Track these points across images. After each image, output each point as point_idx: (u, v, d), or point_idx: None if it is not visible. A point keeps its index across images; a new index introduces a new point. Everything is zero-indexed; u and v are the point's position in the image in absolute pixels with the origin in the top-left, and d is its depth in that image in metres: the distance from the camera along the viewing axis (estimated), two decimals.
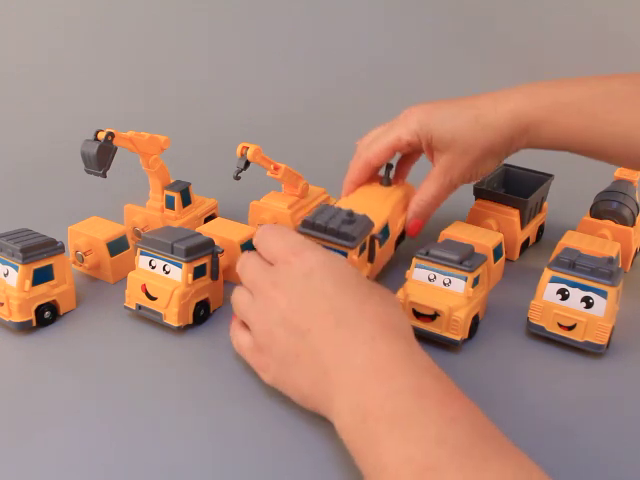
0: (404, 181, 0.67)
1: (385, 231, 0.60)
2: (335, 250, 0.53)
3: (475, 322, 0.53)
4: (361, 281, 0.44)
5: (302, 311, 0.42)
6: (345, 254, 0.52)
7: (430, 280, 0.53)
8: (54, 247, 0.54)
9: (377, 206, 0.60)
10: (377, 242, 0.56)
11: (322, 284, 0.43)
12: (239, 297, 0.48)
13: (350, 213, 0.53)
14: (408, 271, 0.55)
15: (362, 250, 0.54)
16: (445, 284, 0.52)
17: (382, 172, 0.65)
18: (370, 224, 0.55)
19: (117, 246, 0.61)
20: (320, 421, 0.44)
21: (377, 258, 0.58)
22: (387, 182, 0.65)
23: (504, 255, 0.62)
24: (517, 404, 0.47)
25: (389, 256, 0.62)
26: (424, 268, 0.53)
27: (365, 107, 1.10)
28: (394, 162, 0.66)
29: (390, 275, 0.63)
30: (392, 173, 0.65)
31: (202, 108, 1.09)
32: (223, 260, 0.59)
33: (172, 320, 0.53)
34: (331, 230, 0.52)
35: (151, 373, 0.49)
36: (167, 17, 1.19)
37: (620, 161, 0.58)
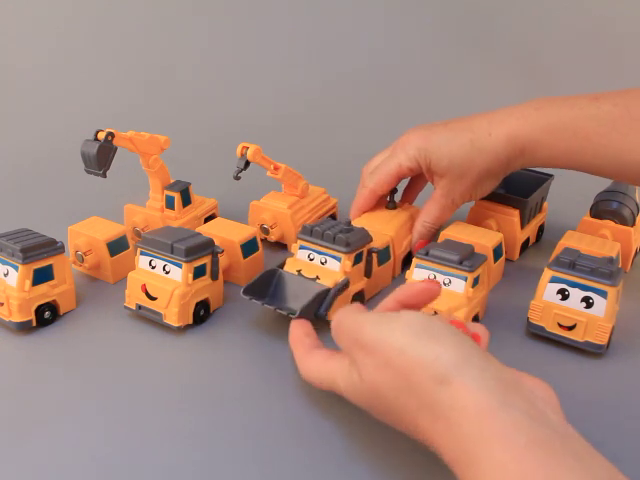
0: (410, 205, 0.69)
1: (386, 251, 0.60)
2: (330, 256, 0.54)
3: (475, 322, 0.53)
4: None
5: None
6: (339, 259, 0.53)
7: None
8: (54, 247, 0.54)
9: (381, 228, 0.62)
10: (375, 257, 0.57)
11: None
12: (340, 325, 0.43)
13: (348, 223, 0.55)
14: (408, 271, 0.55)
15: (357, 261, 0.55)
16: (445, 284, 0.52)
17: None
18: (367, 236, 0.56)
19: (117, 246, 0.61)
20: (320, 421, 0.44)
21: (375, 276, 0.58)
22: (392, 205, 0.66)
23: (504, 255, 0.62)
24: None
25: (390, 278, 0.63)
26: (424, 268, 0.53)
27: (365, 107, 1.10)
28: (403, 185, 0.67)
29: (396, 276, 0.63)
30: (397, 196, 0.67)
31: (202, 108, 1.09)
32: (223, 260, 0.59)
33: (172, 320, 0.53)
34: (327, 236, 0.54)
35: (151, 373, 0.49)
36: (167, 17, 1.19)
37: (618, 178, 0.60)
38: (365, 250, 0.56)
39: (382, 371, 0.36)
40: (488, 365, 0.34)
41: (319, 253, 0.55)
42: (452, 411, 0.33)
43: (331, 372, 0.41)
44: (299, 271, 0.55)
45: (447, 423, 0.33)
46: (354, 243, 0.54)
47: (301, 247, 0.56)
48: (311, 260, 0.55)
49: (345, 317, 0.41)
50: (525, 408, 0.32)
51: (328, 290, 0.52)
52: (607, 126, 0.54)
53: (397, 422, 0.37)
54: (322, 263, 0.55)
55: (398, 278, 0.63)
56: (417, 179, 0.68)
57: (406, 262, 0.64)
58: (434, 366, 0.34)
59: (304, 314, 0.50)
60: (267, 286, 0.56)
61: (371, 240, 0.56)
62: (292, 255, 0.57)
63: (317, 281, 0.54)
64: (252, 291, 0.54)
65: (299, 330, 0.48)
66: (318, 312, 0.52)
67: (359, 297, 0.57)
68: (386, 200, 0.66)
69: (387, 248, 0.61)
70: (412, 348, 0.35)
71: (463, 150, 0.57)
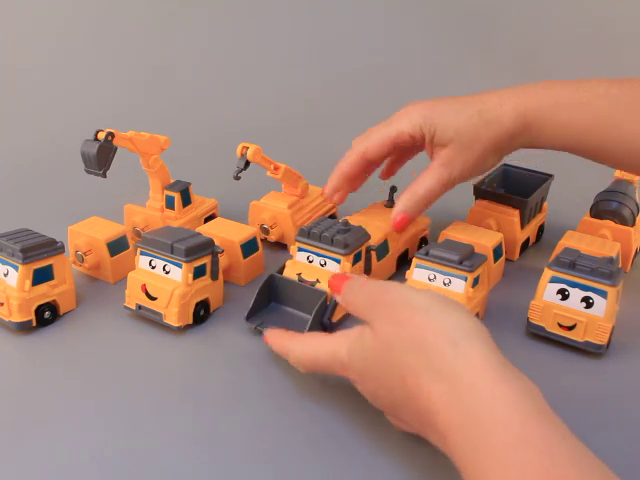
0: (388, 177, 0.68)
1: (384, 246, 0.60)
2: (329, 258, 0.54)
3: None
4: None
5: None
6: (339, 261, 0.53)
7: (430, 280, 0.53)
8: (54, 247, 0.54)
9: (378, 224, 0.61)
10: (374, 254, 0.57)
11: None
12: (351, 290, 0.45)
13: (346, 223, 0.55)
14: (408, 271, 0.55)
15: (357, 260, 0.55)
16: (445, 284, 0.52)
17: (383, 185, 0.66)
18: (365, 235, 0.56)
19: (117, 246, 0.61)
20: (321, 421, 0.44)
21: (375, 271, 0.58)
22: (390, 204, 0.66)
23: (504, 255, 0.62)
24: None
25: (389, 274, 0.63)
26: (424, 268, 0.53)
27: (365, 107, 1.10)
28: (404, 185, 0.65)
29: (390, 275, 0.63)
30: (396, 195, 0.66)
31: (202, 108, 1.09)
32: (223, 260, 0.59)
33: (172, 320, 0.53)
34: (325, 238, 0.54)
35: (151, 373, 0.49)
36: (167, 17, 1.19)
37: (619, 164, 0.58)
38: (363, 249, 0.56)
39: (400, 326, 0.37)
40: (496, 346, 0.37)
41: (318, 255, 0.55)
42: (461, 372, 0.34)
43: (330, 344, 0.42)
44: (299, 274, 0.55)
45: (452, 383, 0.34)
46: (352, 244, 0.54)
47: (300, 249, 0.56)
48: (310, 262, 0.55)
49: (366, 282, 0.43)
50: (529, 386, 0.35)
51: (326, 298, 0.52)
52: (617, 107, 0.53)
53: (397, 382, 0.37)
54: (322, 265, 0.55)
55: (396, 277, 0.63)
56: (406, 152, 0.65)
57: (401, 261, 0.64)
58: (454, 331, 0.36)
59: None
60: (268, 298, 0.56)
61: (369, 238, 0.56)
62: (291, 257, 0.57)
63: (317, 284, 0.54)
64: (255, 310, 0.55)
65: (276, 333, 0.48)
66: (322, 321, 0.52)
67: None
68: (368, 174, 0.63)
69: (385, 243, 0.61)
70: (438, 311, 0.37)
71: (471, 121, 0.55)
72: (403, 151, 0.65)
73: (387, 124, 0.59)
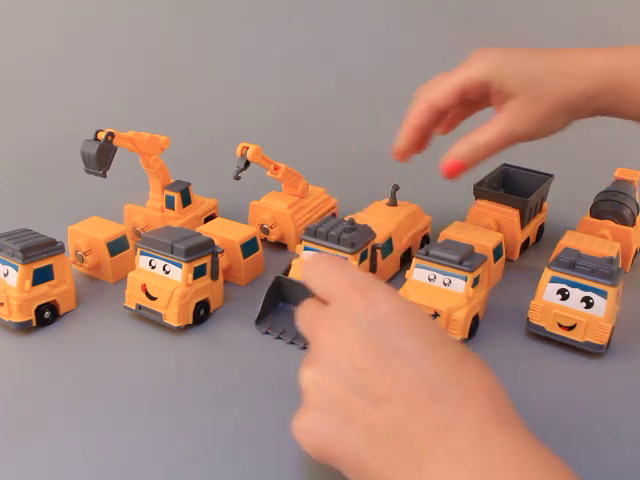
0: (448, 132, 0.61)
1: (388, 244, 0.60)
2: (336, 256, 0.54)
3: (475, 322, 0.53)
4: (447, 339, 0.33)
5: (373, 371, 0.31)
6: (346, 260, 0.53)
7: (430, 280, 0.53)
8: (54, 247, 0.54)
9: (382, 222, 0.62)
10: (379, 252, 0.57)
11: (399, 340, 0.32)
12: (303, 315, 0.37)
13: (352, 222, 0.55)
14: (408, 271, 0.55)
15: (363, 258, 0.55)
16: (445, 284, 0.52)
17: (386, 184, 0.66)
18: (371, 233, 0.56)
19: (117, 246, 0.61)
20: None
21: (380, 269, 0.58)
22: (393, 202, 0.67)
23: (504, 255, 0.63)
24: (517, 404, 0.46)
25: (393, 271, 0.63)
26: (424, 268, 0.53)
27: (365, 107, 1.10)
28: (404, 184, 0.64)
29: (394, 273, 0.63)
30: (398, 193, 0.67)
31: (202, 108, 1.09)
32: (223, 260, 0.59)
33: (172, 320, 0.53)
34: (332, 237, 0.53)
35: (151, 373, 0.49)
36: (167, 17, 1.19)
37: None
38: (369, 247, 0.56)
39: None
40: None
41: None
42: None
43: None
44: None
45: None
46: (359, 242, 0.54)
47: (306, 248, 0.56)
48: None
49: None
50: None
51: None
52: None
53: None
54: None
55: (399, 275, 0.63)
56: (471, 105, 0.58)
57: (405, 259, 0.64)
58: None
59: None
60: (275, 299, 0.56)
61: (375, 236, 0.56)
62: (292, 256, 0.57)
63: None
64: (264, 313, 0.55)
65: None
66: None
67: None
68: (428, 139, 0.57)
69: (389, 240, 0.61)
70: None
71: (547, 71, 0.50)
72: (469, 103, 0.57)
73: (455, 71, 0.53)
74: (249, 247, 0.61)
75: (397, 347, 0.32)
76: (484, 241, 0.59)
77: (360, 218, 0.62)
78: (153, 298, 0.53)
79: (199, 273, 0.54)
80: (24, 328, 0.53)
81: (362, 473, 0.31)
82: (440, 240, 0.60)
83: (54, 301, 0.55)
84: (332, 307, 0.35)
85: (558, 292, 0.51)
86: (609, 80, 0.49)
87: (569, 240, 0.60)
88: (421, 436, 0.30)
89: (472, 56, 0.53)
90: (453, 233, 0.61)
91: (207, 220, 0.70)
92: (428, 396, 0.30)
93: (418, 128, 0.54)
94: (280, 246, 0.69)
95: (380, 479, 0.31)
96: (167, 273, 0.53)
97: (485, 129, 0.52)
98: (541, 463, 0.29)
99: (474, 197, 0.67)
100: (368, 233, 0.55)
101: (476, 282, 0.53)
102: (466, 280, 0.52)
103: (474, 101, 0.56)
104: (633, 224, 0.65)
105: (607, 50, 0.50)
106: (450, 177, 0.53)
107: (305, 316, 0.37)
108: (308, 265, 0.38)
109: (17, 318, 0.53)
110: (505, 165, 0.72)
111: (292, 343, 0.52)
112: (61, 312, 0.56)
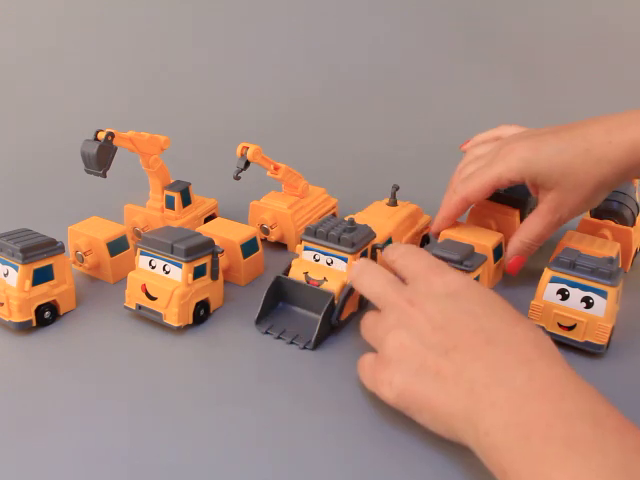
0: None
1: (389, 244, 0.60)
2: (336, 256, 0.54)
3: None
4: (507, 307, 0.42)
5: (447, 328, 0.40)
6: (345, 260, 0.53)
7: None
8: (54, 247, 0.54)
9: (382, 222, 0.62)
10: (379, 252, 0.57)
11: (468, 304, 0.41)
12: (366, 319, 0.46)
13: (352, 222, 0.55)
14: None
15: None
16: None
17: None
18: (371, 233, 0.56)
19: (117, 246, 0.61)
20: (321, 421, 0.44)
21: None
22: (393, 202, 0.67)
23: (504, 255, 0.62)
24: None
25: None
26: None
27: (365, 107, 1.10)
28: (404, 183, 0.65)
29: None
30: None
31: (202, 108, 1.09)
32: (223, 260, 0.59)
33: (172, 320, 0.53)
34: (332, 237, 0.54)
35: (151, 373, 0.49)
36: (167, 17, 1.19)
37: None
38: (369, 247, 0.56)
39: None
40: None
41: (325, 254, 0.55)
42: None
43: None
44: (306, 273, 0.55)
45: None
46: (359, 242, 0.54)
47: (306, 248, 0.56)
48: (317, 261, 0.55)
49: None
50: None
51: (333, 299, 0.53)
52: None
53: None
54: (328, 264, 0.55)
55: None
56: None
57: None
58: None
59: (321, 336, 0.52)
60: (275, 299, 0.56)
61: (375, 236, 0.56)
62: (292, 256, 0.57)
63: (324, 283, 0.54)
64: (264, 313, 0.55)
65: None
66: (332, 322, 0.53)
67: None
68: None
69: (389, 241, 0.61)
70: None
71: (578, 160, 0.53)
72: None
73: (487, 166, 0.58)
74: (249, 247, 0.61)
75: (466, 310, 0.40)
76: (484, 241, 0.59)
77: (360, 218, 0.62)
78: (153, 298, 0.54)
79: (199, 273, 0.54)
80: (24, 328, 0.53)
81: (432, 414, 0.39)
82: (440, 240, 0.60)
83: (54, 301, 0.55)
84: (411, 286, 0.44)
85: (558, 292, 0.51)
86: (637, 156, 0.51)
87: (569, 240, 0.60)
88: (479, 372, 0.37)
89: (502, 152, 0.57)
90: (453, 233, 0.61)
91: (207, 220, 0.70)
92: (486, 342, 0.38)
93: (452, 218, 0.61)
94: (280, 246, 0.69)
95: (446, 415, 0.38)
96: (167, 273, 0.53)
97: (534, 224, 0.57)
98: (579, 387, 0.36)
99: None
100: (368, 233, 0.56)
101: None
102: None
103: None
104: (633, 224, 0.65)
105: (628, 121, 0.52)
106: (514, 273, 0.60)
107: (380, 286, 0.46)
108: (395, 251, 0.48)
109: (17, 318, 0.53)
110: None
111: (292, 343, 0.52)
112: (61, 312, 0.56)
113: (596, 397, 0.35)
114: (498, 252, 0.61)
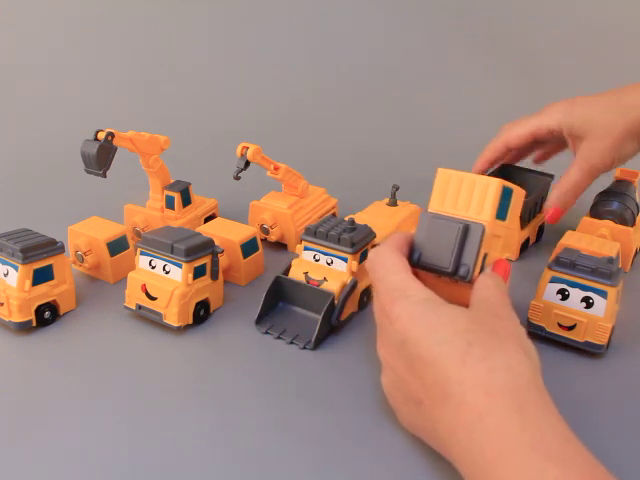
0: (542, 162, 0.71)
1: None
2: (336, 256, 0.54)
3: None
4: (457, 328, 0.38)
5: (412, 381, 0.39)
6: (345, 260, 0.53)
7: None
8: (54, 247, 0.54)
9: (382, 222, 0.62)
10: None
11: (417, 349, 0.38)
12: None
13: (352, 222, 0.55)
14: None
15: (363, 258, 0.55)
16: None
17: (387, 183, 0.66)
18: (371, 233, 0.56)
19: (117, 246, 0.61)
20: (321, 421, 0.44)
21: None
22: (393, 203, 0.67)
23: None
24: None
25: None
26: None
27: (365, 107, 1.10)
28: (405, 183, 0.65)
29: None
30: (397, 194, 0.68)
31: (202, 108, 1.09)
32: (223, 260, 0.59)
33: (172, 320, 0.53)
34: (332, 237, 0.53)
35: (151, 373, 0.49)
36: (167, 17, 1.19)
37: None
38: (369, 247, 0.56)
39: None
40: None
41: (325, 254, 0.55)
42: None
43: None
44: (306, 273, 0.55)
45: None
46: (359, 242, 0.54)
47: (306, 248, 0.56)
48: (317, 261, 0.55)
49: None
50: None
51: (333, 299, 0.53)
52: None
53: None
54: (328, 264, 0.55)
55: None
56: (556, 145, 0.69)
57: None
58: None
59: (321, 336, 0.52)
60: (275, 299, 0.56)
61: (375, 236, 0.56)
62: (292, 256, 0.57)
63: (324, 283, 0.54)
64: (264, 313, 0.55)
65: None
66: (332, 322, 0.53)
67: (367, 294, 0.57)
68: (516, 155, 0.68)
69: None
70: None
71: (608, 108, 0.58)
72: (554, 144, 0.69)
73: (532, 116, 0.63)
74: (249, 247, 0.61)
75: (416, 357, 0.38)
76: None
77: (360, 218, 0.62)
78: (153, 298, 0.54)
79: (199, 273, 0.54)
80: (24, 328, 0.53)
81: (433, 437, 0.39)
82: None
83: (54, 301, 0.55)
84: (379, 324, 0.42)
85: (558, 292, 0.51)
86: None
87: (569, 240, 0.60)
88: (445, 434, 0.37)
89: (544, 109, 0.62)
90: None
91: (207, 220, 0.70)
92: (469, 344, 0.37)
93: (492, 160, 0.65)
94: (280, 246, 0.69)
95: (444, 442, 0.37)
96: (167, 273, 0.53)
97: (569, 173, 0.60)
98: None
99: None
100: (368, 233, 0.56)
101: None
102: None
103: (556, 143, 0.67)
104: (633, 224, 0.65)
105: None
106: (555, 222, 0.62)
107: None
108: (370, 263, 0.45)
109: (17, 318, 0.53)
110: (505, 165, 0.72)
111: (292, 343, 0.52)
112: (61, 312, 0.56)
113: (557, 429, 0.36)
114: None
